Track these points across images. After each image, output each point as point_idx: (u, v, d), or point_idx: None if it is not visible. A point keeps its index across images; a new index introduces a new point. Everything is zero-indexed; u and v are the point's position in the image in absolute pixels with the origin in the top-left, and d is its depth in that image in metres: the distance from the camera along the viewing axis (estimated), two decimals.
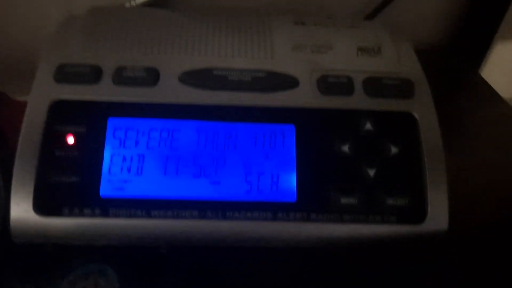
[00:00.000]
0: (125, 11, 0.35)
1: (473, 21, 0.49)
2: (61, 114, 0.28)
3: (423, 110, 0.30)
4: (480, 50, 0.51)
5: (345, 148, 0.29)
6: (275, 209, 0.28)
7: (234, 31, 0.34)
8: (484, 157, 0.39)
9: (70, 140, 0.28)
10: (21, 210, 0.26)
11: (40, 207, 0.26)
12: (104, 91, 0.29)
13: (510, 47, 0.54)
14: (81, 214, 0.27)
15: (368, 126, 0.29)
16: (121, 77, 0.29)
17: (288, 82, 0.30)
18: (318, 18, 0.37)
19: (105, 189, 0.27)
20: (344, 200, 0.28)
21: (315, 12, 0.44)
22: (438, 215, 0.28)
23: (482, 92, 0.46)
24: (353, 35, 0.34)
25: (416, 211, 0.28)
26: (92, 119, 0.28)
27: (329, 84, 0.30)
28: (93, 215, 0.27)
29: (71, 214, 0.26)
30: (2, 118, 0.36)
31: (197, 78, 0.30)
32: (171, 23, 0.34)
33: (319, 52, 0.32)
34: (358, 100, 0.30)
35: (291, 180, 0.28)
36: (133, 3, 0.38)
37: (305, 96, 0.30)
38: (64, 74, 0.29)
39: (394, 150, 0.29)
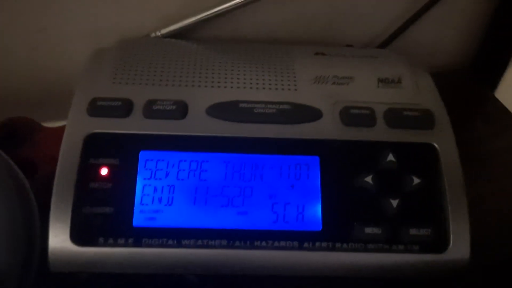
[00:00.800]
0: (151, 43, 0.37)
1: (489, 44, 0.50)
2: (95, 147, 0.29)
3: (443, 140, 0.31)
4: (496, 73, 0.52)
5: (369, 179, 0.30)
6: (301, 239, 0.29)
7: (258, 62, 0.35)
8: (502, 185, 0.40)
9: (104, 172, 0.29)
10: (59, 240, 0.27)
11: (77, 237, 0.27)
12: (135, 125, 0.30)
13: None
14: (115, 244, 0.28)
15: (391, 157, 0.30)
16: (151, 111, 0.31)
17: (312, 114, 0.31)
18: (338, 48, 0.38)
19: (138, 219, 0.28)
20: (368, 230, 0.29)
21: (332, 40, 0.45)
22: (460, 245, 0.29)
23: (499, 117, 0.47)
24: (373, 66, 0.35)
25: (438, 241, 0.29)
26: (124, 151, 0.29)
27: (351, 115, 0.31)
28: (126, 244, 0.28)
29: (106, 244, 0.28)
30: (33, 146, 0.37)
31: (223, 111, 0.31)
32: (196, 55, 0.35)
33: (340, 83, 0.33)
34: (380, 132, 0.31)
35: (317, 210, 0.29)
36: (158, 34, 0.39)
37: (328, 128, 0.31)
38: (97, 108, 0.30)
39: (416, 181, 0.30)
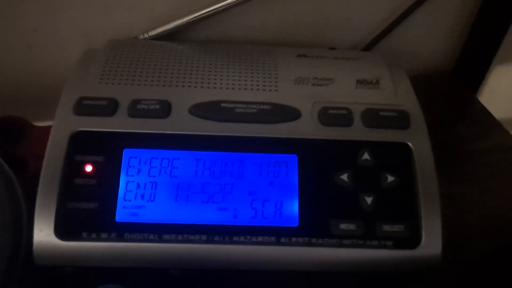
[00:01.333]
0: (139, 45, 0.38)
1: (471, 46, 0.51)
2: (81, 144, 0.30)
3: (418, 140, 0.32)
4: (478, 75, 0.53)
5: (344, 176, 0.31)
6: (278, 234, 0.30)
7: (241, 63, 0.36)
8: (483, 185, 0.41)
9: (89, 169, 0.30)
10: (44, 234, 0.28)
11: (61, 232, 0.28)
12: (120, 123, 0.31)
13: (508, 71, 0.56)
14: (99, 238, 0.29)
15: (366, 156, 0.31)
16: (135, 110, 0.32)
17: (291, 114, 0.32)
18: (320, 50, 0.39)
19: (121, 215, 0.29)
20: (343, 226, 0.30)
21: (318, 43, 0.46)
22: (431, 241, 0.30)
23: (480, 118, 0.48)
24: (352, 68, 0.36)
25: (411, 237, 0.30)
26: (109, 149, 0.30)
27: (329, 115, 0.32)
28: (109, 239, 0.29)
29: (89, 238, 0.29)
30: (24, 144, 0.38)
31: (206, 110, 0.32)
32: (182, 56, 0.36)
33: (320, 84, 0.35)
34: (357, 131, 0.32)
35: (294, 207, 0.30)
36: (146, 36, 0.40)
37: (307, 127, 0.32)
38: (83, 107, 0.31)
39: (390, 178, 0.31)
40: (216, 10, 0.39)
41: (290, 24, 0.45)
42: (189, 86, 0.34)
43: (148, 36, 0.40)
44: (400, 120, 0.32)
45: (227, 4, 0.39)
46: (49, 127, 0.39)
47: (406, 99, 0.34)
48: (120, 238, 0.29)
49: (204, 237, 0.29)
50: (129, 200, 0.30)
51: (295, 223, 0.30)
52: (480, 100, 0.51)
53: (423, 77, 0.52)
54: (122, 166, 0.30)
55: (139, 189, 0.30)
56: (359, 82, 0.35)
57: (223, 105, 0.32)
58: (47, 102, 0.43)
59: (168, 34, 0.41)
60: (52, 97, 0.41)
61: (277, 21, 0.44)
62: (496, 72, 0.54)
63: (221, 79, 0.34)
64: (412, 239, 0.30)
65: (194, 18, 0.40)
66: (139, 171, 0.30)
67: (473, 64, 0.52)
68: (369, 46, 0.47)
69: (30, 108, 0.42)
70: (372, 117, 0.32)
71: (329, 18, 0.45)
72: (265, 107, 0.32)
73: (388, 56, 0.40)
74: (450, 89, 0.51)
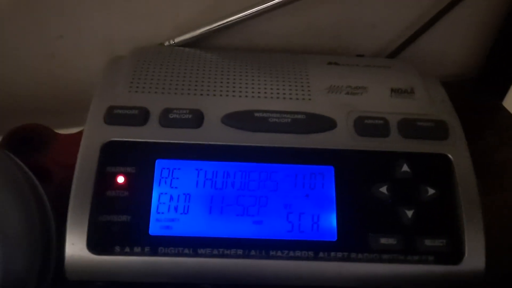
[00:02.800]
0: (166, 52, 0.37)
1: (497, 52, 0.50)
2: (112, 155, 0.30)
3: (457, 151, 0.31)
4: (504, 82, 0.52)
5: (383, 189, 0.30)
6: (316, 248, 0.29)
7: (272, 72, 0.35)
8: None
9: (121, 180, 0.29)
10: (76, 249, 0.27)
11: (94, 246, 0.28)
12: (152, 133, 0.30)
13: None
14: (132, 253, 0.28)
15: (405, 168, 0.30)
16: (167, 119, 0.31)
17: (326, 124, 0.32)
18: (350, 58, 0.38)
19: (154, 228, 0.28)
20: (383, 241, 0.29)
21: (342, 50, 0.45)
22: (475, 256, 0.29)
23: (507, 126, 0.47)
24: (385, 76, 0.36)
25: (454, 252, 0.29)
26: (141, 160, 0.30)
27: (365, 126, 0.31)
28: (142, 253, 0.28)
29: (122, 252, 0.28)
30: (47, 153, 0.37)
31: (239, 120, 0.31)
32: (211, 64, 0.36)
33: (354, 93, 0.34)
34: (394, 142, 0.31)
35: (332, 220, 0.29)
36: (172, 42, 0.39)
37: (343, 137, 0.31)
38: (113, 116, 0.31)
39: (430, 191, 0.30)
40: (241, 18, 0.39)
41: (314, 31, 0.44)
42: (221, 95, 0.33)
43: (174, 43, 0.39)
44: (438, 130, 0.32)
45: (252, 12, 0.38)
46: (73, 135, 0.39)
47: (443, 109, 0.33)
48: (154, 252, 0.28)
49: (240, 252, 0.28)
50: (162, 213, 0.29)
51: (334, 237, 0.29)
52: (506, 108, 0.50)
53: (447, 84, 0.51)
54: (154, 177, 0.29)
55: (172, 201, 0.29)
56: (393, 91, 0.34)
57: (256, 114, 0.32)
58: (70, 110, 0.43)
59: (194, 41, 0.40)
60: (75, 105, 0.40)
61: (302, 28, 0.43)
62: None
63: (253, 88, 0.34)
64: (454, 254, 0.29)
65: (220, 26, 0.39)
66: (171, 183, 0.29)
67: (499, 70, 0.51)
68: (394, 53, 0.46)
69: (53, 116, 0.41)
70: (410, 128, 0.31)
71: (354, 24, 0.45)
72: (299, 116, 0.32)
73: (412, 63, 0.39)
74: (475, 97, 0.51)
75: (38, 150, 0.37)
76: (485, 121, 0.48)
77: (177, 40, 0.39)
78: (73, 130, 0.38)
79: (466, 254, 0.29)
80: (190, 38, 0.39)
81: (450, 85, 0.51)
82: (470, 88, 0.52)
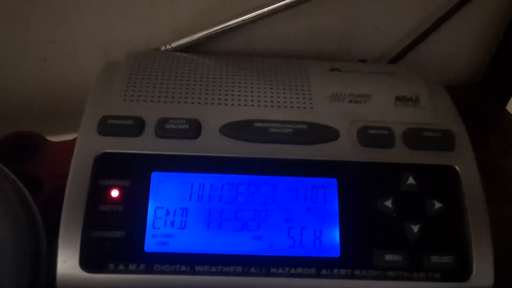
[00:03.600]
0: (162, 58, 0.35)
1: (501, 57, 0.49)
2: (106, 167, 0.28)
3: (464, 163, 0.30)
4: (508, 87, 0.51)
5: (388, 203, 0.29)
6: (318, 265, 0.28)
7: (272, 78, 0.34)
8: None
9: (115, 194, 0.28)
10: (68, 266, 0.26)
11: (87, 263, 0.26)
12: (147, 144, 0.29)
13: None
14: (127, 270, 0.27)
15: (411, 180, 0.29)
16: (163, 130, 0.30)
17: (329, 134, 0.30)
18: (353, 64, 0.37)
19: (150, 244, 0.27)
20: (388, 257, 0.28)
21: (344, 54, 0.44)
22: (483, 272, 0.28)
23: (511, 131, 0.46)
24: (390, 84, 0.34)
25: (461, 269, 0.28)
26: (136, 172, 0.28)
27: (369, 136, 0.30)
28: (138, 271, 0.27)
29: (116, 270, 0.27)
30: (38, 161, 0.36)
31: (238, 130, 0.30)
32: (209, 70, 0.34)
33: (357, 102, 0.33)
34: (399, 153, 0.30)
35: (334, 235, 0.28)
36: (168, 47, 0.38)
37: (346, 148, 0.30)
38: (107, 127, 0.29)
39: (437, 205, 0.29)
40: (240, 22, 0.37)
41: (315, 35, 0.43)
42: (219, 104, 0.32)
43: (171, 48, 0.38)
44: (445, 141, 0.30)
45: (252, 17, 0.37)
46: (65, 142, 0.37)
47: (449, 118, 0.32)
48: (150, 270, 0.27)
49: (239, 269, 0.27)
50: (158, 228, 0.28)
51: (337, 254, 0.28)
52: (510, 112, 0.49)
53: (450, 89, 0.50)
54: (150, 190, 0.28)
55: (168, 216, 0.28)
56: (398, 99, 0.33)
57: (256, 124, 0.30)
58: (62, 116, 0.41)
59: (191, 46, 0.39)
60: (68, 111, 0.39)
61: (303, 31, 0.42)
62: None
63: (252, 96, 0.32)
64: (462, 271, 0.28)
65: (219, 30, 0.38)
66: (168, 196, 0.28)
67: (503, 75, 0.50)
68: (397, 58, 0.45)
69: (44, 122, 0.40)
70: (415, 138, 0.30)
71: (356, 28, 0.43)
72: (301, 126, 0.30)
73: (415, 67, 0.38)
74: (479, 102, 0.50)
75: (29, 158, 0.36)
76: (489, 126, 0.47)
77: (173, 44, 0.38)
78: (66, 137, 0.37)
79: (474, 271, 0.28)
80: (187, 43, 0.38)
81: (453, 90, 0.50)
82: (474, 93, 0.51)
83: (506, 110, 0.50)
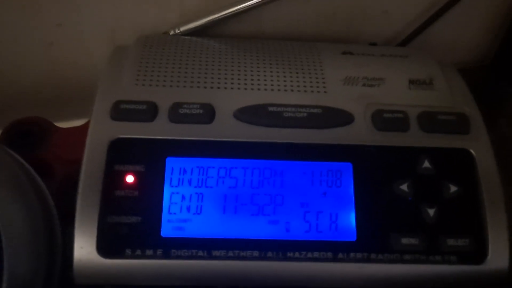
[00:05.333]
0: (173, 42, 0.35)
1: (510, 39, 0.49)
2: (120, 153, 0.28)
3: (479, 146, 0.30)
4: None
5: (404, 186, 0.28)
6: (335, 249, 0.28)
7: (284, 62, 0.34)
8: None
9: (130, 179, 0.28)
10: (85, 252, 0.26)
11: (104, 249, 0.26)
12: (161, 129, 0.29)
13: None
14: (143, 255, 0.27)
15: (426, 163, 0.29)
16: (177, 115, 0.29)
17: (343, 118, 0.30)
18: (365, 47, 0.37)
19: (166, 229, 0.27)
20: (404, 241, 0.28)
21: (353, 37, 0.44)
22: (498, 255, 0.28)
23: None
24: (403, 66, 0.34)
25: (477, 251, 0.28)
26: (150, 157, 0.28)
27: (384, 119, 0.30)
28: (154, 256, 0.27)
29: (133, 255, 0.27)
30: (47, 148, 0.36)
31: (252, 115, 0.30)
32: (220, 54, 0.34)
33: (371, 85, 0.32)
34: (415, 137, 0.30)
35: (351, 219, 0.28)
36: (177, 31, 0.37)
37: (361, 132, 0.30)
38: (120, 112, 0.29)
39: (453, 188, 0.29)
40: (249, 6, 0.37)
41: (325, 18, 0.42)
42: (232, 88, 0.31)
43: (179, 32, 0.37)
44: (460, 124, 0.30)
45: (261, 0, 0.36)
46: (74, 128, 0.37)
47: (463, 101, 0.32)
48: (166, 255, 0.27)
49: (256, 253, 0.27)
50: (174, 213, 0.28)
51: (353, 237, 0.28)
52: None
53: (459, 72, 0.50)
54: (165, 176, 0.28)
55: (184, 201, 0.28)
56: (411, 82, 0.33)
57: (270, 109, 0.30)
58: (69, 102, 0.41)
59: (200, 30, 0.38)
60: (75, 96, 0.39)
61: (312, 15, 0.42)
62: None
63: (265, 80, 0.32)
64: (478, 254, 0.28)
65: (227, 14, 0.37)
66: (183, 182, 0.28)
67: (511, 58, 0.49)
68: (407, 41, 0.45)
69: (51, 108, 0.39)
70: (430, 121, 0.30)
71: (366, 11, 0.43)
72: (315, 110, 0.30)
73: (425, 50, 0.38)
74: (487, 85, 0.49)
75: (38, 144, 0.36)
76: (498, 109, 0.47)
77: (182, 28, 0.38)
78: (73, 123, 0.36)
79: (489, 254, 0.28)
80: (196, 27, 0.37)
81: (462, 72, 0.50)
82: (483, 75, 0.50)
83: None
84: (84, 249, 0.26)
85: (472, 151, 0.30)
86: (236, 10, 0.36)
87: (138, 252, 0.27)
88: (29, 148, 0.35)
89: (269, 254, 0.27)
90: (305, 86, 0.32)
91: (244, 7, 0.36)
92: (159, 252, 0.27)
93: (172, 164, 0.28)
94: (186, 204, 0.28)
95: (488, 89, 0.48)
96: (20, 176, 0.29)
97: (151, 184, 0.28)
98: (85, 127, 0.30)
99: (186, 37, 0.36)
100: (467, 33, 0.48)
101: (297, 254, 0.27)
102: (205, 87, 0.31)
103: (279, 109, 0.30)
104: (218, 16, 0.37)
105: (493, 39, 0.50)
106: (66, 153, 0.35)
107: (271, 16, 0.40)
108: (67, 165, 0.35)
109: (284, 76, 0.32)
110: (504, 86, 0.49)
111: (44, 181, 0.31)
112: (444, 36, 0.47)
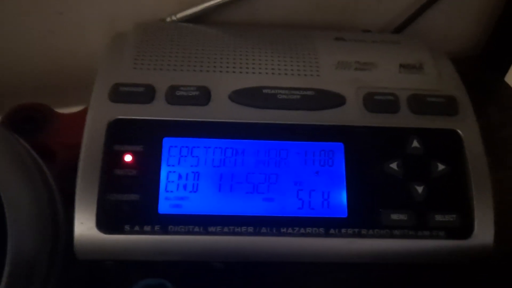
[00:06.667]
0: (169, 28, 0.36)
1: (500, 29, 0.50)
2: (119, 133, 0.29)
3: (467, 127, 0.31)
4: (506, 59, 0.51)
5: (394, 165, 0.29)
6: (327, 225, 0.29)
7: (279, 47, 0.34)
8: None
9: (128, 158, 0.29)
10: (85, 228, 0.27)
11: (103, 225, 0.27)
12: (159, 111, 0.30)
13: None
14: (141, 231, 0.28)
15: (415, 143, 0.30)
16: (174, 97, 0.30)
17: (336, 100, 0.31)
18: (358, 33, 0.37)
19: (163, 207, 0.28)
20: (394, 217, 0.29)
21: (347, 24, 0.45)
22: (484, 230, 0.29)
23: (510, 103, 0.47)
24: (394, 52, 0.35)
25: (463, 227, 0.29)
26: (148, 138, 0.29)
27: (375, 101, 0.31)
28: (152, 232, 0.28)
29: (132, 231, 0.27)
30: (49, 133, 0.36)
31: (247, 97, 0.31)
32: (216, 40, 0.35)
33: (362, 69, 0.33)
34: (404, 118, 0.31)
35: (342, 197, 0.29)
36: (174, 18, 0.38)
37: (352, 114, 0.31)
38: (119, 94, 0.30)
39: (440, 167, 0.30)
40: None
41: (319, 5, 0.43)
42: (227, 71, 0.32)
43: (176, 19, 0.38)
44: (448, 106, 0.31)
45: None
46: (74, 114, 0.38)
47: (452, 84, 0.33)
48: (164, 231, 0.28)
49: (250, 229, 0.28)
50: (171, 191, 0.28)
51: (344, 214, 0.29)
52: (509, 84, 0.49)
53: (451, 60, 0.50)
54: (162, 155, 0.29)
55: (181, 180, 0.29)
56: (402, 66, 0.34)
57: (264, 91, 0.31)
58: (69, 88, 0.42)
59: (196, 17, 0.39)
60: (75, 83, 0.40)
61: (307, 3, 0.43)
62: None
63: (260, 64, 0.33)
64: (464, 229, 0.29)
65: (223, 1, 0.38)
66: (180, 161, 0.29)
67: (501, 47, 0.50)
68: (400, 29, 0.46)
69: (52, 95, 0.40)
70: (419, 103, 0.31)
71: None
72: (309, 93, 0.31)
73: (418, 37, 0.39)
74: (478, 73, 0.50)
75: (39, 130, 0.37)
76: (488, 97, 0.48)
77: (179, 15, 0.38)
78: (73, 109, 0.37)
79: (475, 229, 0.29)
80: (192, 14, 0.38)
81: (453, 61, 0.51)
82: (473, 64, 0.51)
83: (505, 81, 0.50)
84: (85, 224, 0.27)
85: (459, 131, 0.31)
86: None
87: (137, 228, 0.28)
88: (31, 133, 0.36)
89: (263, 229, 0.28)
90: (298, 70, 0.33)
91: None
92: (156, 228, 0.28)
93: (169, 144, 0.29)
94: (183, 182, 0.29)
95: (478, 77, 0.49)
96: (25, 159, 0.30)
97: (149, 163, 0.29)
98: (84, 112, 0.31)
99: (183, 24, 0.37)
100: (459, 23, 0.49)
101: (290, 230, 0.28)
102: (201, 71, 0.32)
103: (273, 91, 0.31)
104: (214, 3, 0.38)
105: (483, 29, 0.51)
106: (66, 138, 0.36)
107: (267, 4, 0.41)
108: (68, 149, 0.35)
109: (279, 61, 0.33)
110: (493, 75, 0.50)
111: (47, 164, 0.31)
112: (437, 25, 0.48)
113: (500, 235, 0.29)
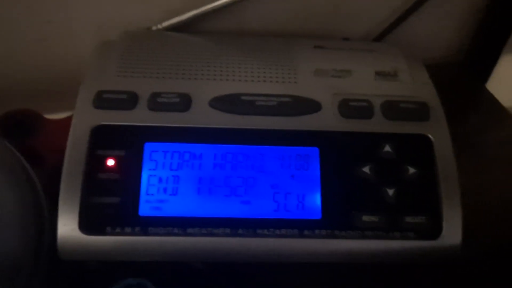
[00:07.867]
0: (155, 36, 0.37)
1: (481, 36, 0.51)
2: (102, 138, 0.30)
3: (438, 132, 0.32)
4: (487, 65, 0.53)
5: (366, 169, 0.31)
6: (301, 226, 0.30)
7: (259, 55, 0.36)
8: (493, 176, 0.41)
9: (111, 163, 0.30)
10: (68, 229, 0.28)
11: (86, 226, 0.28)
12: (140, 117, 0.31)
13: None
14: (123, 233, 0.29)
15: (387, 148, 0.31)
16: (155, 103, 0.31)
17: (312, 106, 0.32)
18: (336, 41, 0.39)
19: (144, 209, 0.29)
20: (365, 218, 0.30)
21: (329, 33, 0.46)
22: (452, 231, 0.30)
23: (490, 109, 0.48)
24: (370, 59, 0.36)
25: (432, 228, 0.30)
26: (130, 143, 0.30)
27: (350, 108, 0.32)
28: (133, 233, 0.29)
29: (113, 232, 0.29)
30: (38, 138, 0.38)
31: (226, 103, 0.32)
32: (199, 48, 0.36)
33: (339, 76, 0.34)
34: (378, 123, 0.32)
35: (316, 199, 0.30)
36: (159, 27, 0.40)
37: (327, 119, 0.32)
38: (102, 101, 0.31)
39: (411, 170, 0.31)
40: (230, 2, 0.39)
41: (302, 15, 0.45)
42: (208, 79, 0.33)
43: (162, 27, 0.40)
44: (420, 112, 0.32)
45: None
46: (62, 120, 0.39)
47: (425, 91, 0.34)
48: (144, 232, 0.29)
49: (228, 230, 0.29)
50: (152, 194, 0.30)
51: (318, 216, 0.30)
52: (489, 91, 0.51)
53: (432, 67, 0.52)
54: (143, 160, 0.30)
55: (161, 183, 0.30)
56: (377, 74, 0.35)
57: (243, 98, 0.32)
58: (58, 95, 0.43)
59: (182, 25, 0.40)
60: (64, 90, 0.40)
61: (291, 12, 0.44)
62: (505, 62, 0.54)
63: (240, 72, 0.34)
64: (433, 230, 0.30)
65: (209, 9, 0.39)
66: (160, 165, 0.30)
67: (482, 54, 0.52)
68: (381, 37, 0.47)
69: (42, 101, 0.41)
70: (393, 109, 0.32)
71: (341, 8, 0.45)
72: (285, 99, 0.32)
73: (398, 46, 0.40)
74: (459, 80, 0.51)
75: (28, 135, 0.38)
76: (469, 104, 0.49)
77: (165, 24, 0.40)
78: (62, 115, 0.38)
79: (444, 230, 0.30)
80: (178, 23, 0.40)
81: (434, 68, 0.52)
82: (455, 71, 0.52)
83: (486, 88, 0.52)
84: (67, 226, 0.28)
85: (430, 136, 0.32)
86: (217, 6, 0.38)
87: (118, 229, 0.29)
88: (20, 139, 0.37)
89: (240, 231, 0.29)
90: (277, 77, 0.34)
91: (223, 3, 0.38)
92: (137, 229, 0.29)
93: (150, 148, 0.30)
94: (163, 186, 0.30)
95: (460, 84, 0.51)
96: (10, 161, 0.31)
97: (131, 167, 0.30)
98: (71, 118, 0.32)
99: (168, 32, 0.39)
100: (440, 31, 0.51)
101: (266, 231, 0.29)
102: (183, 78, 0.33)
103: (251, 98, 0.32)
104: (200, 12, 0.39)
105: (464, 36, 0.52)
106: (54, 143, 0.37)
107: (251, 13, 0.43)
108: (56, 154, 0.36)
109: (258, 68, 0.35)
110: (474, 81, 0.51)
111: (35, 169, 0.33)
112: (417, 33, 0.49)
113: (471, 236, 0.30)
